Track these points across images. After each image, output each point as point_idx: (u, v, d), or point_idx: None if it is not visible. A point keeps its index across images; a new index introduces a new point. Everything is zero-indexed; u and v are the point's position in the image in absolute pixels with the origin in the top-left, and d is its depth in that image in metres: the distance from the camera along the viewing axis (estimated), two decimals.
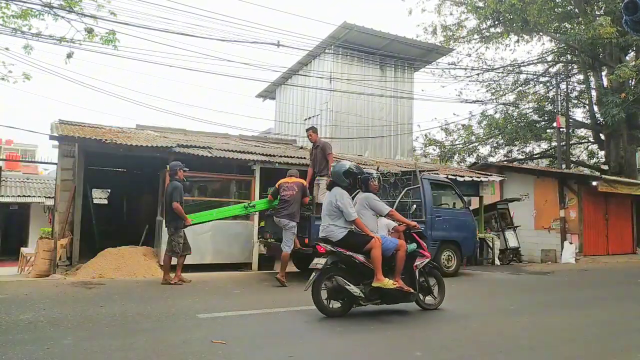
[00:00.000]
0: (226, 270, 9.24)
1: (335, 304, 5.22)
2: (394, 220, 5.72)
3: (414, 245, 5.52)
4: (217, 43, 49.39)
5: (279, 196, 7.78)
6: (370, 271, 5.12)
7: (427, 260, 5.61)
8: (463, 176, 12.40)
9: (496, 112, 22.53)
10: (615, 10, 15.71)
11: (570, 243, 13.79)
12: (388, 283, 5.07)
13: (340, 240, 5.16)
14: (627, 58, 18.46)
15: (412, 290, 5.32)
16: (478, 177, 12.76)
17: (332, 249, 5.13)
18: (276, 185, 7.99)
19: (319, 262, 5.09)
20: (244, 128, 43.14)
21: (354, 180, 5.46)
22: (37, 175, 24.62)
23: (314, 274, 5.11)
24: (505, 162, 20.09)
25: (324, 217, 5.36)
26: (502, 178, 14.09)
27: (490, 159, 22.23)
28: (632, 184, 15.09)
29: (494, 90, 22.90)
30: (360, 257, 5.14)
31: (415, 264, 5.44)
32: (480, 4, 18.61)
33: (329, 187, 5.51)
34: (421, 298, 5.60)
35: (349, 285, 5.01)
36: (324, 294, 5.14)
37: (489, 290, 8.18)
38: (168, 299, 6.06)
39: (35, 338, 4.06)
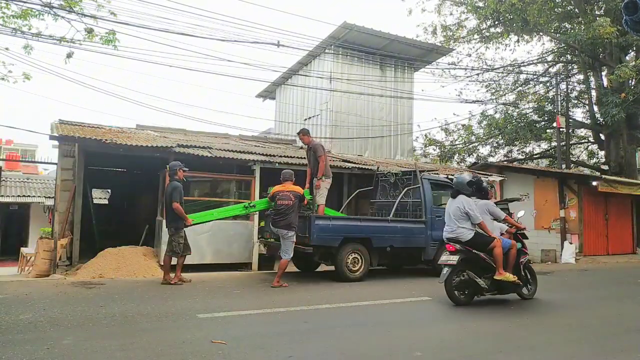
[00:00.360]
0: (226, 270, 9.24)
1: (458, 294, 6.01)
2: (506, 224, 6.62)
3: (519, 244, 6.45)
4: (217, 43, 49.41)
5: (274, 204, 7.67)
6: (489, 266, 6.01)
7: (528, 256, 6.64)
8: None
9: (496, 112, 22.53)
10: (615, 10, 15.70)
11: (570, 243, 13.79)
12: (509, 276, 5.99)
13: (469, 241, 6.01)
14: (627, 58, 18.45)
15: (520, 282, 6.23)
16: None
17: (462, 248, 5.98)
18: (271, 193, 7.85)
19: (449, 259, 5.94)
20: (244, 128, 43.03)
21: (474, 189, 6.41)
22: (37, 175, 24.60)
23: (446, 268, 5.92)
24: (505, 162, 20.08)
25: (451, 220, 6.16)
26: (502, 178, 14.10)
27: (490, 159, 22.22)
28: (632, 184, 15.09)
29: (494, 90, 22.89)
30: (483, 255, 6.00)
31: (521, 260, 6.37)
32: (480, 4, 18.60)
33: (453, 195, 6.31)
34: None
35: (477, 279, 5.93)
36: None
37: None
38: (168, 299, 6.05)
39: (35, 338, 4.06)
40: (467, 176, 6.42)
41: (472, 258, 6.01)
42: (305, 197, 7.96)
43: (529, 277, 6.65)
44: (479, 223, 6.04)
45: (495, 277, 5.95)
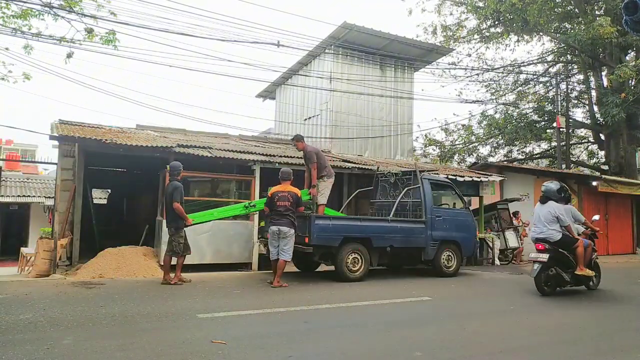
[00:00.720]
0: (226, 270, 9.24)
1: (544, 286, 6.96)
2: (582, 226, 7.58)
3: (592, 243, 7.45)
4: (217, 43, 49.35)
5: (274, 204, 7.51)
6: (570, 263, 6.93)
7: (596, 253, 7.58)
8: (463, 176, 12.40)
9: (496, 112, 22.55)
10: (615, 10, 15.71)
11: None
12: (588, 272, 6.98)
13: (557, 241, 6.88)
14: (627, 58, 18.47)
15: (592, 276, 7.24)
16: (478, 177, 12.76)
17: (550, 247, 6.86)
18: (269, 194, 7.72)
19: (539, 256, 6.87)
20: (244, 128, 43.03)
21: (562, 196, 7.21)
22: (37, 175, 24.57)
23: (537, 264, 6.87)
24: (505, 162, 20.08)
25: (541, 223, 7.01)
26: (502, 178, 14.09)
27: (490, 159, 22.23)
28: (632, 184, 15.10)
29: (494, 90, 22.91)
30: (567, 253, 6.92)
31: (593, 256, 7.32)
32: (480, 4, 18.61)
33: (543, 201, 7.16)
34: None
35: (563, 273, 6.88)
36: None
37: (488, 290, 8.19)
38: (168, 299, 6.06)
39: (35, 338, 4.06)
40: (554, 185, 7.28)
41: (558, 256, 6.89)
42: (303, 197, 7.90)
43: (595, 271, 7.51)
44: (567, 226, 6.91)
45: (577, 272, 6.84)
